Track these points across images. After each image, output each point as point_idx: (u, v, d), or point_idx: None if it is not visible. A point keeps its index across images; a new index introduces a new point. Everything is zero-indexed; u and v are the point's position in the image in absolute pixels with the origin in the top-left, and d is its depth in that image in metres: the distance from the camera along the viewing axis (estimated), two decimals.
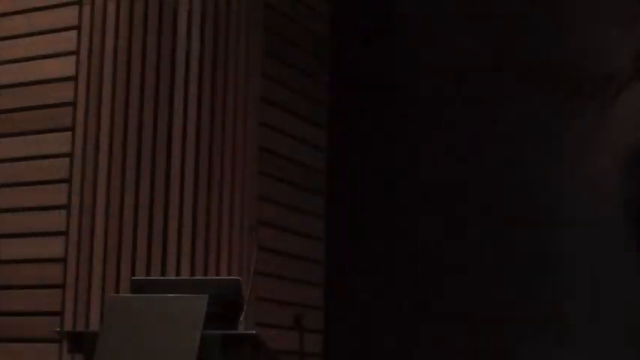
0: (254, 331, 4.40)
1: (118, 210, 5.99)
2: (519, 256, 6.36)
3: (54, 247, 6.05)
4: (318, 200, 7.02)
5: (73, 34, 6.24)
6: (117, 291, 5.86)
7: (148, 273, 5.88)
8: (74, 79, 6.20)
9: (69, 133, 6.14)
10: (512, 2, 6.66)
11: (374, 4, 7.17)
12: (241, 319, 4.41)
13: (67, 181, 6.10)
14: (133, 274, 5.84)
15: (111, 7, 6.18)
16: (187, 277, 5.82)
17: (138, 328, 4.27)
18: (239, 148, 6.26)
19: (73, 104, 6.17)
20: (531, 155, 6.48)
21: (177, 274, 5.91)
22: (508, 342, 6.25)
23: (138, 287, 4.68)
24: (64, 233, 6.05)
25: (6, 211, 6.24)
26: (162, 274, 5.89)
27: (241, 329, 4.40)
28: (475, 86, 6.62)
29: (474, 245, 6.49)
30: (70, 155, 6.12)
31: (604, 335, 6.07)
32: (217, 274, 5.98)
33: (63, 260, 6.03)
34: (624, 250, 6.10)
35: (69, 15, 6.27)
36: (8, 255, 6.16)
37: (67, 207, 6.07)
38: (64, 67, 6.23)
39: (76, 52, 6.21)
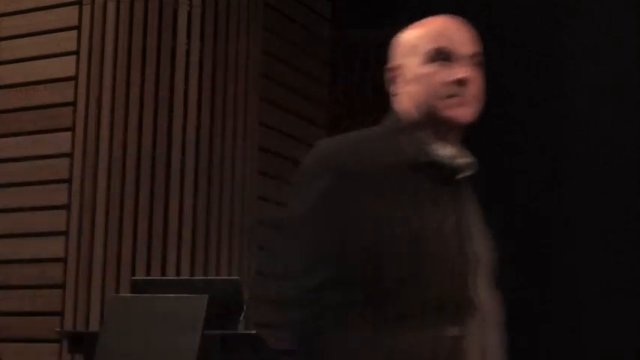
0: (254, 331, 4.40)
1: (118, 210, 5.98)
2: (525, 266, 6.35)
3: (54, 247, 6.05)
4: None
5: (73, 34, 6.23)
6: (117, 291, 5.86)
7: (148, 273, 5.88)
8: (74, 79, 6.20)
9: (69, 133, 6.14)
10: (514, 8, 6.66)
11: (374, 4, 7.17)
12: (241, 319, 4.41)
13: (67, 181, 6.10)
14: (133, 274, 5.84)
15: (111, 7, 6.18)
16: (187, 277, 5.82)
17: (138, 328, 4.27)
18: (239, 148, 6.26)
19: (73, 104, 6.17)
20: (534, 163, 6.48)
21: (177, 274, 5.91)
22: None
23: (138, 287, 4.68)
24: (64, 233, 6.05)
25: (6, 211, 6.24)
26: (163, 274, 5.89)
27: (241, 329, 4.40)
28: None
29: None
30: (70, 155, 6.12)
31: None
32: (217, 274, 5.98)
33: (63, 260, 6.03)
34: None
35: (69, 15, 6.26)
36: (8, 255, 6.16)
37: (67, 207, 6.07)
38: (64, 67, 6.22)
39: (76, 52, 6.21)
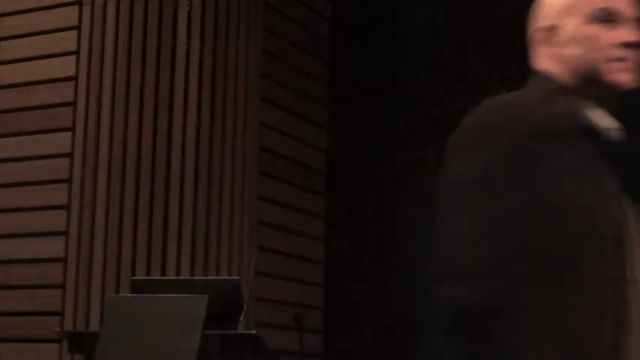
0: (254, 331, 4.40)
1: (118, 210, 5.99)
2: None
3: (54, 247, 6.05)
4: (318, 200, 7.02)
5: (73, 34, 6.24)
6: (117, 291, 5.86)
7: (148, 273, 5.88)
8: (74, 79, 6.20)
9: (69, 133, 6.14)
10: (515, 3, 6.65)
11: (374, 4, 7.17)
12: (241, 319, 4.41)
13: (67, 181, 6.10)
14: (133, 274, 5.84)
15: (111, 7, 6.18)
16: (187, 277, 5.82)
17: (138, 328, 4.27)
18: (239, 148, 6.26)
19: (73, 104, 6.17)
20: None
21: (177, 274, 5.91)
22: None
23: (138, 287, 4.68)
24: (64, 233, 6.05)
25: (6, 211, 6.24)
26: (163, 274, 5.89)
27: (241, 329, 4.40)
28: (478, 86, 6.62)
29: None
30: (70, 155, 6.12)
31: None
32: (217, 274, 5.98)
33: (63, 260, 6.03)
34: None
35: (69, 15, 6.26)
36: (8, 255, 6.16)
37: (67, 207, 6.07)
38: (64, 67, 6.23)
39: (76, 52, 6.21)
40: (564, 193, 2.00)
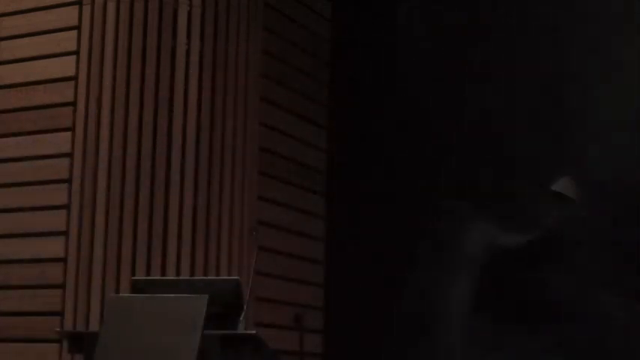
0: (254, 331, 4.40)
1: (118, 210, 5.98)
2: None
3: (54, 247, 6.05)
4: (318, 200, 7.02)
5: (73, 34, 6.24)
6: (117, 291, 5.86)
7: (148, 273, 5.88)
8: (74, 79, 6.20)
9: (69, 133, 6.14)
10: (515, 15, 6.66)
11: (374, 4, 7.17)
12: (241, 319, 4.42)
13: (67, 181, 6.10)
14: (133, 274, 5.84)
15: (111, 7, 6.18)
16: (187, 277, 5.82)
17: (138, 328, 4.27)
18: (239, 148, 6.26)
19: (73, 104, 6.17)
20: (532, 161, 6.48)
21: (177, 274, 5.91)
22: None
23: (138, 287, 4.68)
24: (64, 233, 6.05)
25: (6, 211, 6.24)
26: (163, 274, 5.89)
27: (241, 329, 4.40)
28: (478, 86, 6.61)
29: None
30: (70, 155, 6.12)
31: None
32: (217, 274, 5.99)
33: (63, 260, 6.03)
34: None
35: (69, 15, 6.27)
36: (8, 255, 6.16)
37: (67, 207, 6.07)
38: (64, 67, 6.23)
39: (76, 52, 6.21)
40: None
